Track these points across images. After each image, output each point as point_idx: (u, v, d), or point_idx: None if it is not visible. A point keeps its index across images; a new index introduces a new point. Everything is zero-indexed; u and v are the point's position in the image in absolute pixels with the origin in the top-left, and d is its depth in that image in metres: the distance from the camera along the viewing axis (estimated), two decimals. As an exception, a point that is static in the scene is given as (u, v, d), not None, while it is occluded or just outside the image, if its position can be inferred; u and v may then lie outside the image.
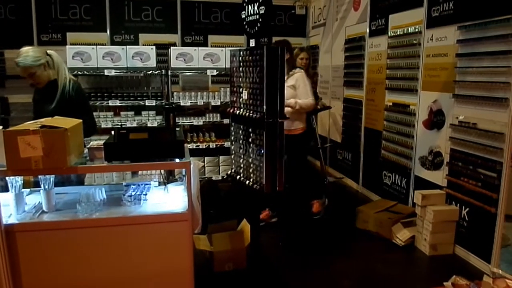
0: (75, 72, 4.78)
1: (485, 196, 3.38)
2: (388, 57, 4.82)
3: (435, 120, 4.02)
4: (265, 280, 3.32)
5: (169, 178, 3.08)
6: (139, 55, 5.00)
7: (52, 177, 2.47)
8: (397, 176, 4.74)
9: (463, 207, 3.65)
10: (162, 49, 5.63)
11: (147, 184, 2.83)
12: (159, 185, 2.89)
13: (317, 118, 6.09)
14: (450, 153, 3.79)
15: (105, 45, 6.36)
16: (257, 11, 3.81)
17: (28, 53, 2.89)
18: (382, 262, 3.63)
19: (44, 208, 2.47)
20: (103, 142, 2.47)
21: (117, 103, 5.01)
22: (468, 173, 3.57)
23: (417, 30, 4.28)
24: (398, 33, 4.62)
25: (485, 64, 3.38)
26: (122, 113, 5.13)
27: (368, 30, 5.33)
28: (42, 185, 2.45)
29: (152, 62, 5.01)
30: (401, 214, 4.13)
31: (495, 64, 3.28)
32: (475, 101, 3.47)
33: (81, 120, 2.53)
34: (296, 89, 4.21)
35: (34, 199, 2.64)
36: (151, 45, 5.26)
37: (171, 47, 5.21)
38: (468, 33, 3.56)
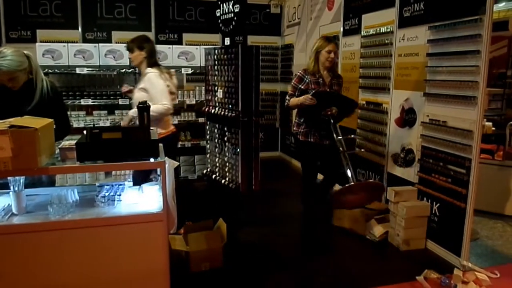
0: (46, 70, 4.67)
1: (455, 192, 3.48)
2: (361, 56, 4.90)
3: (407, 118, 4.11)
4: (241, 279, 3.33)
5: (143, 178, 3.04)
6: (112, 53, 4.92)
7: (22, 179, 2.40)
8: (370, 173, 4.82)
9: (434, 203, 3.75)
10: (136, 47, 5.54)
11: (121, 185, 2.78)
12: (133, 185, 2.85)
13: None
14: (421, 150, 3.89)
15: (77, 42, 6.21)
16: (232, 10, 3.81)
17: (8, 57, 2.74)
18: (357, 258, 3.69)
19: (14, 211, 2.40)
20: (75, 142, 2.42)
21: (90, 102, 4.91)
22: (438, 169, 3.67)
23: (389, 30, 4.36)
24: (371, 33, 4.70)
25: (454, 63, 3.47)
26: (94, 112, 5.04)
27: (341, 29, 5.39)
28: (11, 187, 2.38)
29: (126, 60, 4.94)
30: (375, 211, 4.20)
31: (464, 64, 3.37)
32: (445, 99, 3.57)
33: (52, 120, 2.47)
34: (148, 92, 3.50)
35: (2, 201, 2.56)
36: (125, 43, 5.18)
37: (145, 45, 5.14)
38: (438, 33, 3.65)
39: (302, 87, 3.79)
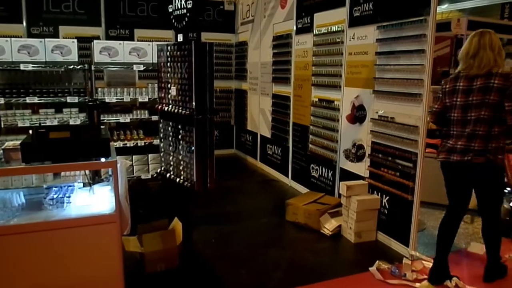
0: (-14, 66, 4.41)
1: (402, 185, 3.64)
2: (314, 55, 4.99)
3: (357, 114, 4.24)
4: (198, 277, 3.32)
5: (94, 178, 2.96)
6: (59, 48, 4.71)
7: (-39, 182, 2.27)
8: (323, 168, 4.93)
9: (384, 196, 3.90)
10: (85, 43, 5.36)
11: (70, 186, 2.69)
12: (84, 186, 2.77)
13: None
14: (371, 145, 4.02)
15: (21, 37, 5.91)
16: (185, 6, 3.76)
17: None
18: (311, 252, 3.77)
19: (-47, 216, 2.26)
20: (19, 142, 2.31)
21: (36, 100, 4.68)
22: (387, 164, 3.82)
23: (340, 29, 4.47)
24: (322, 31, 4.80)
25: (401, 62, 3.62)
26: (41, 110, 4.80)
27: (294, 27, 5.47)
28: (-51, 191, 2.24)
29: (74, 56, 4.75)
30: (328, 205, 4.31)
31: (410, 62, 3.52)
32: (393, 96, 3.71)
33: (-7, 120, 2.34)
34: None
35: None
36: (72, 38, 4.98)
37: (94, 41, 4.98)
38: (386, 32, 3.79)
39: None
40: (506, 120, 2.81)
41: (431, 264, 3.41)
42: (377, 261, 3.43)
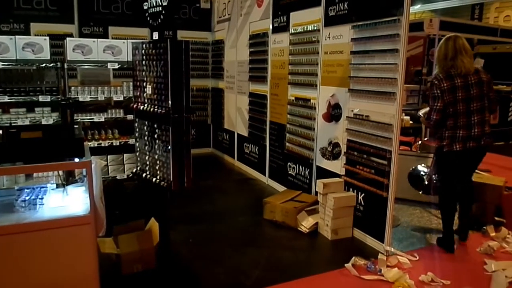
0: (-47, 64, 4.26)
1: (377, 182, 3.70)
2: (290, 53, 5.02)
3: (333, 113, 4.29)
4: (175, 278, 3.29)
5: (68, 179, 2.90)
6: (30, 46, 4.59)
7: None
8: (300, 167, 4.97)
9: (359, 193, 3.96)
10: (57, 40, 5.24)
11: (43, 187, 2.63)
12: (57, 187, 2.71)
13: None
14: (347, 143, 4.08)
15: (-10, 34, 5.73)
16: (160, 3, 3.73)
17: None
18: (289, 249, 3.80)
19: None
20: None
21: (6, 99, 4.55)
22: (362, 161, 3.88)
23: (315, 28, 4.51)
24: (298, 31, 4.83)
25: (375, 61, 3.68)
26: (12, 110, 4.67)
27: (271, 26, 5.49)
28: None
29: (46, 54, 4.63)
30: (305, 203, 4.35)
31: (384, 61, 3.58)
32: (368, 95, 3.77)
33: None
34: None
35: None
36: (44, 36, 4.86)
37: (67, 38, 4.87)
38: (360, 32, 3.84)
39: None
40: (492, 104, 3.60)
41: (405, 259, 3.49)
42: (353, 257, 3.48)
